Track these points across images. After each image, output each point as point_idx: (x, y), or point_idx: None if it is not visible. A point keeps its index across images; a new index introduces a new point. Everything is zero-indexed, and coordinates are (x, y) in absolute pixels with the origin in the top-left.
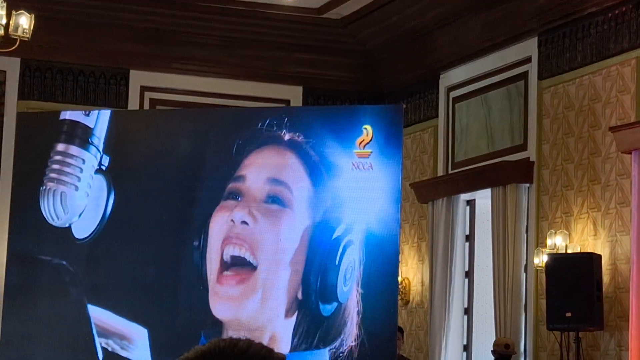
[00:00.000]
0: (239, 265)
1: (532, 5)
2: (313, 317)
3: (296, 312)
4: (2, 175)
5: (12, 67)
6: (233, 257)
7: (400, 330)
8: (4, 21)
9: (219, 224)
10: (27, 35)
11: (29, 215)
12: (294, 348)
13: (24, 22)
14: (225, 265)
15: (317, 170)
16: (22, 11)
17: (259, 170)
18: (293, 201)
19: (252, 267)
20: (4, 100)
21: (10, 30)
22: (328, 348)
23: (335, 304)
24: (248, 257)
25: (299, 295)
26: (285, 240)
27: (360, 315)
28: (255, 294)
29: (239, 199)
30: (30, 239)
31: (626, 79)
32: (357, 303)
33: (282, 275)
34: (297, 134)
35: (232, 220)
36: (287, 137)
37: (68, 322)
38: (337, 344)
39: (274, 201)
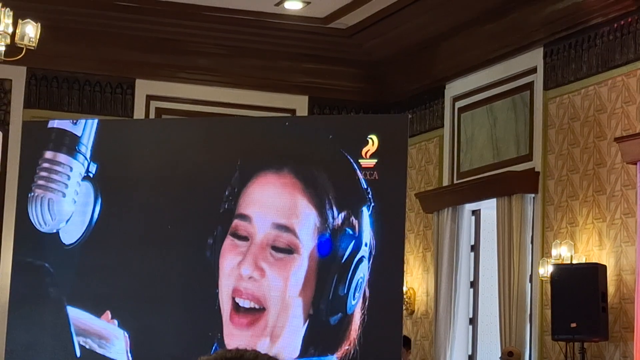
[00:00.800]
0: (250, 312)
1: (538, 16)
2: (321, 326)
3: (306, 322)
4: (7, 184)
5: (18, 76)
6: (244, 308)
7: (407, 341)
8: (10, 30)
9: (229, 267)
10: (33, 44)
11: (26, 226)
12: (302, 353)
13: (30, 31)
14: (237, 308)
15: (321, 192)
16: (28, 20)
17: (263, 211)
18: (299, 245)
19: (262, 311)
20: (10, 109)
21: (16, 39)
22: (335, 355)
23: (340, 315)
24: (258, 306)
25: (310, 311)
26: (294, 281)
27: (365, 321)
28: (265, 337)
29: (247, 240)
30: (31, 246)
31: (631, 89)
32: (362, 312)
33: (292, 312)
34: (300, 148)
35: (239, 273)
36: (289, 155)
37: (62, 327)
38: (343, 349)
39: (281, 251)
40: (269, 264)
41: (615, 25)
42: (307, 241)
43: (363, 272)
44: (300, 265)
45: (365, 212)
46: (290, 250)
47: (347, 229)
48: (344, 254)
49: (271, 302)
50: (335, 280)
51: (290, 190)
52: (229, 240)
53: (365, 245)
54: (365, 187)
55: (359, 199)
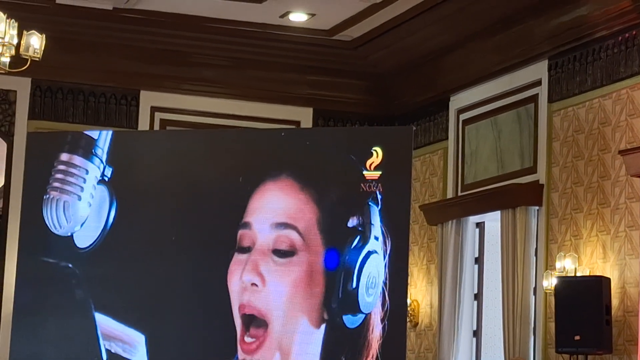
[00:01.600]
0: (256, 327)
1: (543, 28)
2: (338, 331)
3: (323, 328)
4: (12, 194)
5: (23, 87)
6: (250, 321)
7: None
8: (15, 41)
9: (235, 284)
10: (38, 56)
11: (37, 231)
12: None
13: (35, 42)
14: (245, 326)
15: (321, 190)
16: (33, 31)
17: (263, 216)
18: (302, 242)
19: (266, 326)
20: (15, 120)
21: (21, 50)
22: None
23: (360, 316)
24: (261, 318)
25: (325, 316)
26: (300, 282)
27: (385, 332)
28: (274, 356)
29: (250, 250)
30: (38, 253)
31: (636, 102)
32: (382, 318)
33: (301, 318)
34: (303, 157)
35: (242, 282)
36: (292, 163)
37: (74, 327)
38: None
39: (284, 254)
40: (270, 271)
41: (620, 38)
42: (310, 237)
43: (376, 266)
44: (306, 266)
45: (373, 207)
46: (292, 252)
47: (352, 223)
48: (350, 248)
49: (273, 314)
50: (343, 275)
51: (288, 191)
52: (235, 257)
53: (376, 239)
54: (369, 181)
55: (363, 192)
